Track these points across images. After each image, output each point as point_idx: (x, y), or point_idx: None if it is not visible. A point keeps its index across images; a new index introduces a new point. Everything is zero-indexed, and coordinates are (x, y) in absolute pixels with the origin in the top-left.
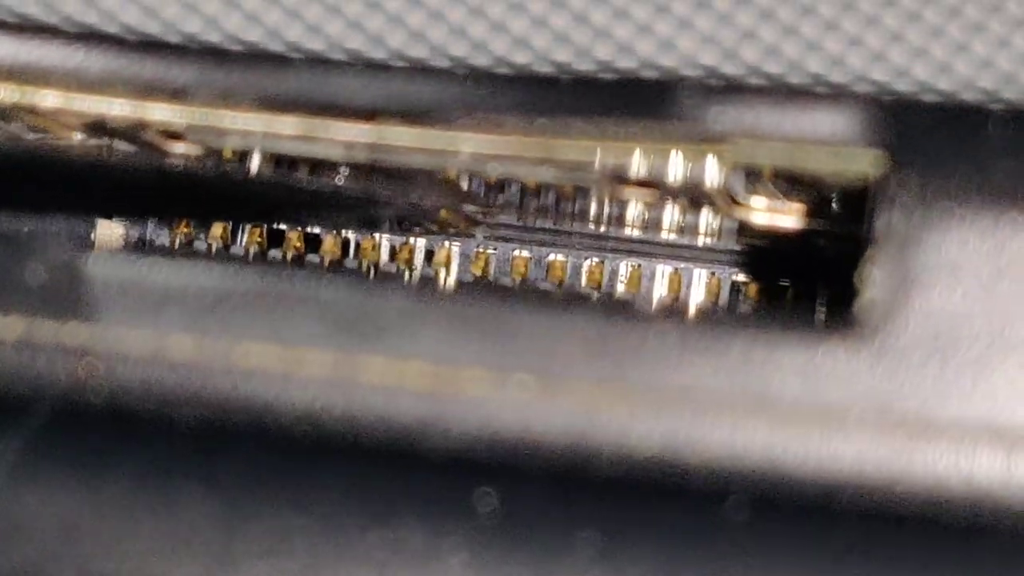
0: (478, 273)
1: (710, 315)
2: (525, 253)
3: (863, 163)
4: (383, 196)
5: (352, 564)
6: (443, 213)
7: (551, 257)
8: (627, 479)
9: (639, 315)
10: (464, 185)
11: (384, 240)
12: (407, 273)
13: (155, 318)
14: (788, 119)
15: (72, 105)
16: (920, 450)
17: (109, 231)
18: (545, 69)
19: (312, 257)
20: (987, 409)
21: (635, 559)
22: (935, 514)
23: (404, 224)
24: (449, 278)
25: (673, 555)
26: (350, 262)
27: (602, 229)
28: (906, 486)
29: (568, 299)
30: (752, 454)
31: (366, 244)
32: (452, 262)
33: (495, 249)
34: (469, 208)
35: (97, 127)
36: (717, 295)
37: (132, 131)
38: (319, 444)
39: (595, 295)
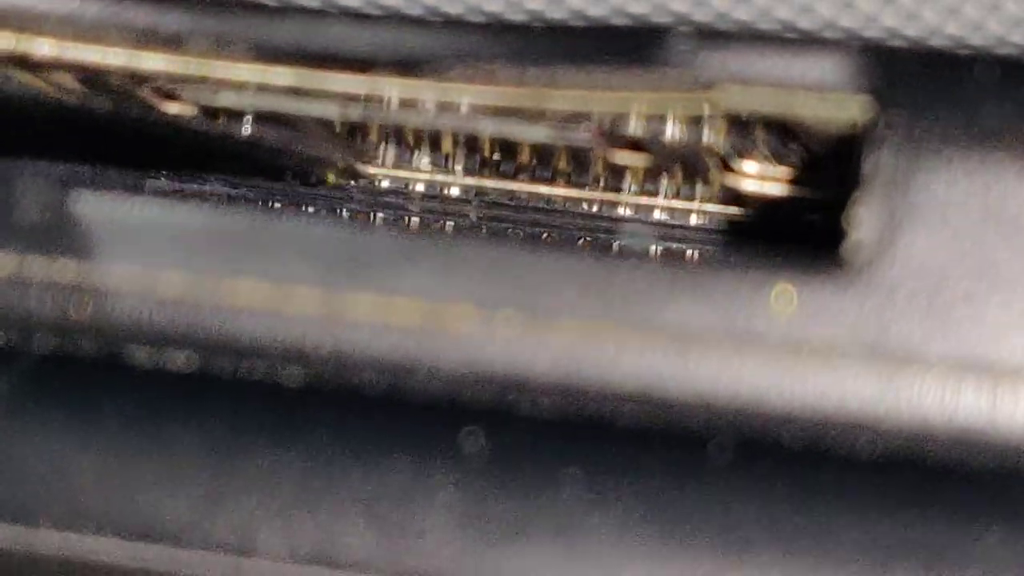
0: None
1: (698, 256)
2: (518, 232)
3: (851, 109)
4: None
5: (339, 501)
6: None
7: (543, 236)
8: (613, 417)
9: (628, 256)
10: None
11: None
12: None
13: (145, 256)
14: (777, 67)
15: (66, 54)
16: (906, 387)
17: None
18: (518, 17)
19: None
20: (972, 346)
21: (621, 496)
22: (921, 450)
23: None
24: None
25: (659, 492)
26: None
27: (595, 209)
28: (892, 422)
29: (559, 240)
30: (739, 392)
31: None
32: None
33: (487, 227)
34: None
35: (90, 82)
36: None
37: (126, 87)
38: (307, 381)
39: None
